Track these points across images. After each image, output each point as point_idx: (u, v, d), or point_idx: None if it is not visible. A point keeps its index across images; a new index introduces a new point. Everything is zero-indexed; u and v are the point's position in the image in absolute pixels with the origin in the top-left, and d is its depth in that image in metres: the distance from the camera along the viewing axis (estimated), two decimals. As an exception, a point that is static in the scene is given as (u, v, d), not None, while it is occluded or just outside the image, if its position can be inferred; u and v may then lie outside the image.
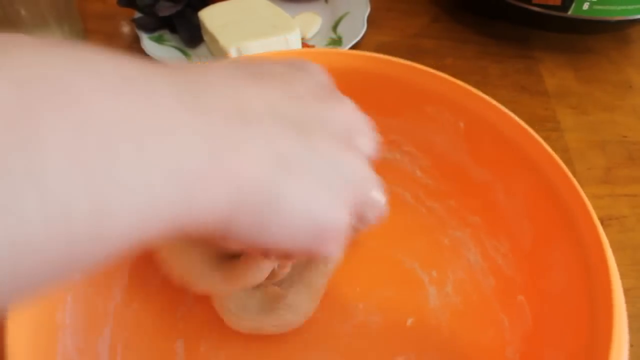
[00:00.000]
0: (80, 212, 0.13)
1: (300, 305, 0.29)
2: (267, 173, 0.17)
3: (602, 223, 0.40)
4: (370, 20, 0.53)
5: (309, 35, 0.53)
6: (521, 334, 0.29)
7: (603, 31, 0.54)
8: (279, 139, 0.18)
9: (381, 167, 0.34)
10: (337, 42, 0.51)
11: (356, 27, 0.52)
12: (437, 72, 0.32)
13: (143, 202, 0.14)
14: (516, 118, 0.30)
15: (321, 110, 0.20)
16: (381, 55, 0.33)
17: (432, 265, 0.34)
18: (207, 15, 0.48)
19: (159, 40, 0.50)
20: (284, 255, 0.22)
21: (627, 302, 0.35)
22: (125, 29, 0.55)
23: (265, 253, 0.20)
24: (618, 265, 0.30)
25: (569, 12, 0.48)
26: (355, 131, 0.22)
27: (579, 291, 0.25)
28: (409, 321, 0.32)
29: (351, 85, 0.34)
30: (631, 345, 0.33)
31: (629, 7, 0.47)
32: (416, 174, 0.36)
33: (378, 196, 0.22)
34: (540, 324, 0.28)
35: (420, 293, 0.33)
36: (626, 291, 0.35)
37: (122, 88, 0.14)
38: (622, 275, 0.34)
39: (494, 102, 0.30)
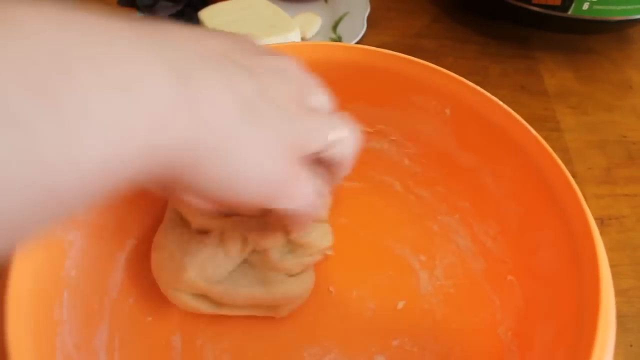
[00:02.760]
0: (48, 136, 0.12)
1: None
2: (230, 116, 0.17)
3: (602, 223, 0.40)
4: (370, 20, 0.53)
5: (308, 35, 0.53)
6: (512, 312, 0.29)
7: (603, 31, 0.54)
8: (239, 81, 0.18)
9: (369, 157, 0.34)
10: (337, 42, 0.51)
11: (356, 27, 0.52)
12: (423, 61, 0.32)
13: (111, 125, 0.14)
14: (499, 102, 0.30)
15: (273, 63, 0.21)
16: (366, 47, 0.33)
17: (423, 251, 0.34)
18: (207, 15, 0.48)
19: (159, 40, 0.51)
20: (237, 207, 0.22)
21: (626, 302, 0.35)
22: (125, 29, 0.55)
23: (219, 204, 0.20)
24: (618, 265, 0.30)
25: (569, 12, 0.48)
26: (308, 91, 0.22)
27: (566, 267, 0.25)
28: (400, 304, 0.32)
29: (338, 76, 0.34)
30: (630, 345, 0.33)
31: (629, 7, 0.47)
32: (404, 163, 0.36)
33: (337, 134, 0.22)
34: (530, 302, 0.28)
35: (412, 278, 0.33)
36: (626, 291, 0.35)
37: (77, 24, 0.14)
38: (622, 275, 0.34)
39: (478, 88, 0.31)
